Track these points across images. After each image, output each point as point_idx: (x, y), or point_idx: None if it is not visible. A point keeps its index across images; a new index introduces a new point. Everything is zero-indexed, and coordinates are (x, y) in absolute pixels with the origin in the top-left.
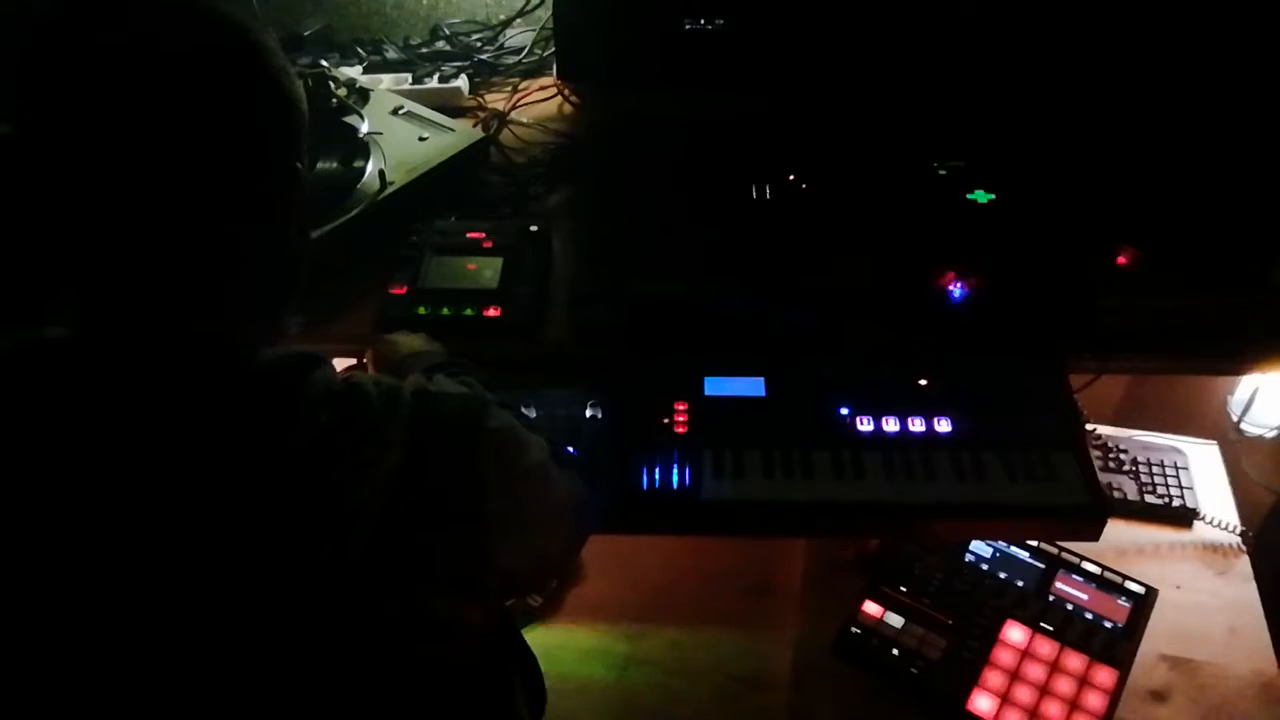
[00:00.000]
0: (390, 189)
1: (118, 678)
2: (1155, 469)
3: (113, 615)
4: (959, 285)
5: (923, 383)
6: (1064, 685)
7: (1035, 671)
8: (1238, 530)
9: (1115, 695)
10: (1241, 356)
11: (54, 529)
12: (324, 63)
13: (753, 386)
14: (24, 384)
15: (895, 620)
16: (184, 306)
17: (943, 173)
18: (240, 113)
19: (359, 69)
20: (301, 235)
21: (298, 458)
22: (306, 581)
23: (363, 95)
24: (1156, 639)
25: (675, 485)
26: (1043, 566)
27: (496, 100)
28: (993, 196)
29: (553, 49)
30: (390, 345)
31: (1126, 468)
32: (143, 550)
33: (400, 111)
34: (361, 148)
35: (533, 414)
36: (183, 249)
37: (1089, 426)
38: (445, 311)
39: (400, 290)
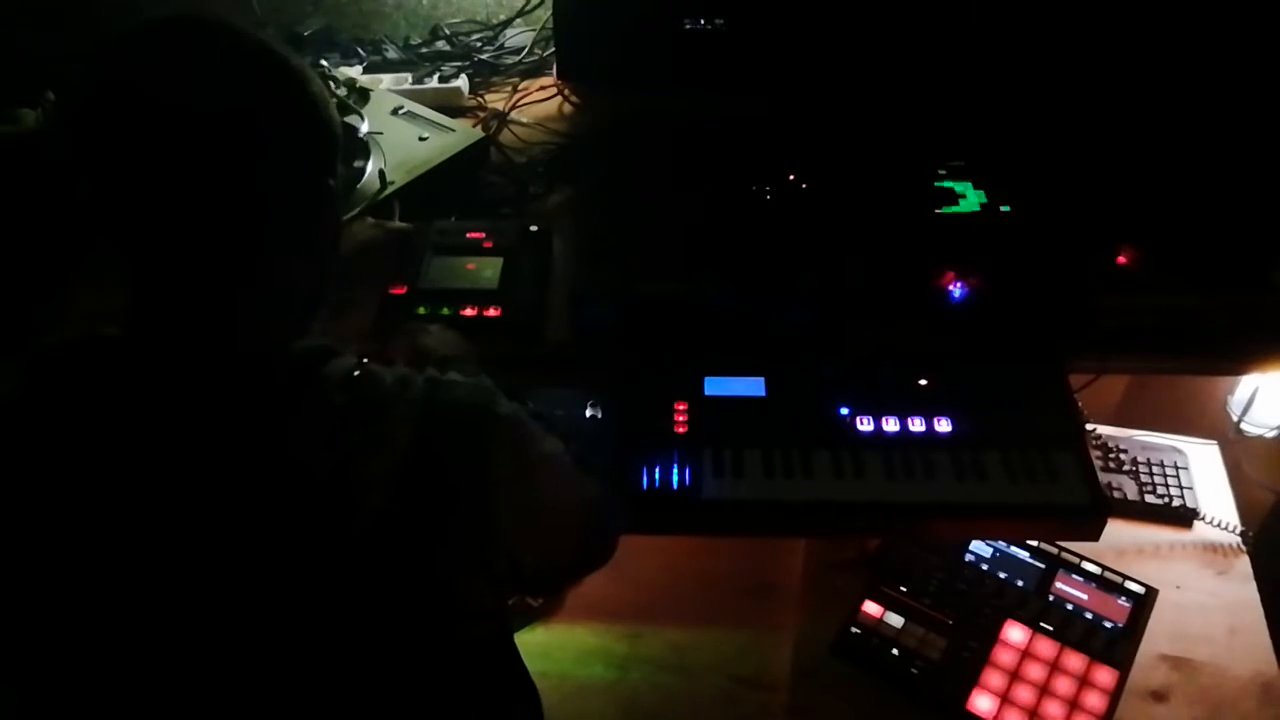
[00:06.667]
0: (390, 189)
1: (144, 640)
2: (1155, 469)
3: (142, 585)
4: (959, 285)
5: (923, 383)
6: (1064, 685)
7: (1035, 671)
8: (1238, 530)
9: (1115, 695)
10: (1241, 356)
11: (104, 493)
12: (324, 63)
13: (753, 386)
14: (88, 372)
15: (895, 620)
16: (224, 306)
17: (943, 172)
18: (283, 137)
19: (359, 69)
20: (332, 246)
21: (312, 436)
22: (316, 555)
23: (363, 95)
24: (1156, 639)
25: (675, 485)
26: (1043, 566)
27: (496, 100)
28: (991, 196)
29: (553, 49)
30: (427, 337)
31: (1126, 468)
32: (175, 517)
33: (400, 111)
34: (361, 148)
35: None
36: (226, 257)
37: (1089, 426)
38: (445, 311)
39: (400, 290)
